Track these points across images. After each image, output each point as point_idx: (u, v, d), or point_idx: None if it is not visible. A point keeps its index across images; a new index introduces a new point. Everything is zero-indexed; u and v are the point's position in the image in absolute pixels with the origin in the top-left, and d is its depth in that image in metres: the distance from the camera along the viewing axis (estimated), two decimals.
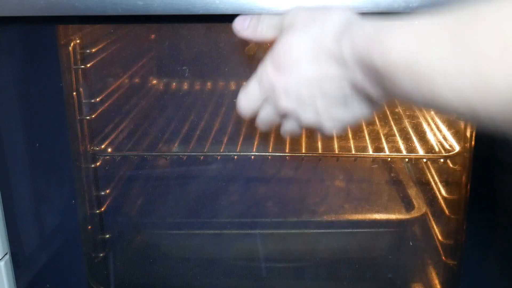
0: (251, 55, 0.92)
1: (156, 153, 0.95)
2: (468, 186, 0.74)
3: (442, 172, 0.87)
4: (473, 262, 0.75)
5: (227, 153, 0.90)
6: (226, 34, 0.94)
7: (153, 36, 1.01)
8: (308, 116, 0.47)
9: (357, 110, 0.46)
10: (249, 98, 0.52)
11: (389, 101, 0.44)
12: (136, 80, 1.04)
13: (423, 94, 0.33)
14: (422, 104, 0.35)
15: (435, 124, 0.90)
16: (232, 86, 1.10)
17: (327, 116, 0.46)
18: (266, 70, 0.48)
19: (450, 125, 0.84)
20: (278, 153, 0.90)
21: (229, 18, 0.60)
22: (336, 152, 0.89)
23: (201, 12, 0.59)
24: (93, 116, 0.82)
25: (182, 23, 0.84)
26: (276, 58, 0.47)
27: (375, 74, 0.38)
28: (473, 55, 0.29)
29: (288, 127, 0.51)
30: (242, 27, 0.56)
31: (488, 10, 0.29)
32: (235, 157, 0.90)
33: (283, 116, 0.50)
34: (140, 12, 0.60)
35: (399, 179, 0.99)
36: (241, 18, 0.57)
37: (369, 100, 0.45)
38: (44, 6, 0.60)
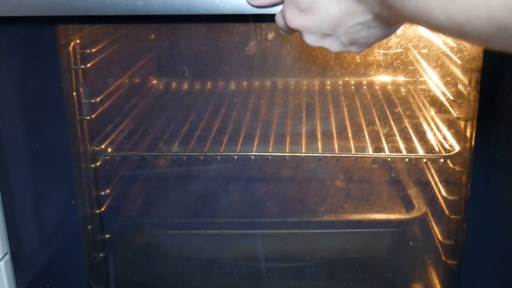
0: (251, 55, 0.92)
1: (156, 153, 0.95)
2: (468, 186, 0.74)
3: (442, 172, 0.87)
4: (473, 262, 0.75)
5: (227, 153, 0.90)
6: (226, 34, 0.95)
7: (153, 36, 1.01)
8: (335, 47, 0.51)
9: (379, 32, 0.49)
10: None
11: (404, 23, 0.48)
12: (136, 80, 1.04)
13: (425, 20, 0.37)
14: (428, 28, 0.38)
15: (435, 124, 0.90)
16: (232, 86, 1.10)
17: (352, 44, 0.50)
18: (287, 12, 0.50)
19: (450, 125, 0.84)
20: (278, 153, 0.90)
21: (229, 18, 0.60)
22: (336, 152, 0.89)
23: (201, 12, 0.59)
24: (93, 116, 0.82)
25: (182, 23, 0.84)
26: (296, 1, 0.49)
27: (392, 8, 0.41)
28: None
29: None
30: None
31: None
32: (235, 157, 0.90)
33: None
34: (140, 12, 0.60)
35: (399, 179, 0.99)
36: None
37: (389, 22, 0.47)
38: (44, 6, 0.60)
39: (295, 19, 0.50)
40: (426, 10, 0.36)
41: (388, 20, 0.46)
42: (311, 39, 0.51)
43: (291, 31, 0.54)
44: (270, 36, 0.89)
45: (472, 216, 0.73)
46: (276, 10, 0.56)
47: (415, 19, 0.38)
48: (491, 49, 0.35)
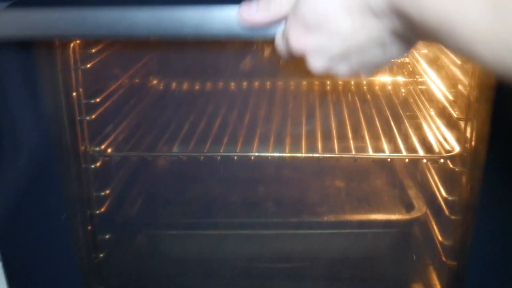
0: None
1: (156, 154, 0.95)
2: (468, 186, 0.74)
3: (442, 172, 0.86)
4: (473, 262, 0.75)
5: (227, 154, 0.90)
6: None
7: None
8: (343, 71, 0.46)
9: (393, 52, 0.44)
10: (270, 13, 0.48)
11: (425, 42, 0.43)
12: (136, 80, 1.04)
13: (460, 49, 0.34)
14: (459, 54, 0.36)
15: (435, 124, 0.90)
16: (232, 86, 1.10)
17: (361, 66, 0.45)
18: (291, 32, 0.45)
19: (450, 125, 0.84)
20: (278, 153, 0.90)
21: (221, 40, 0.55)
22: (336, 153, 0.89)
23: (190, 35, 0.54)
24: (93, 116, 0.82)
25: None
26: (301, 18, 0.43)
27: (412, 24, 0.37)
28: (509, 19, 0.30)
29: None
30: (250, 14, 0.49)
31: None
32: (235, 157, 0.89)
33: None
34: (123, 34, 0.55)
35: (399, 179, 0.99)
36: (244, 5, 0.49)
37: (405, 40, 0.43)
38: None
39: (300, 40, 0.44)
40: (465, 41, 0.32)
41: (405, 37, 0.42)
42: (317, 63, 0.45)
43: (293, 54, 0.48)
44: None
45: (472, 216, 0.73)
46: (272, 31, 0.50)
47: (440, 39, 0.35)
48: None
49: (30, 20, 0.55)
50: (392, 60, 0.45)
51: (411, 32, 0.39)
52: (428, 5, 0.34)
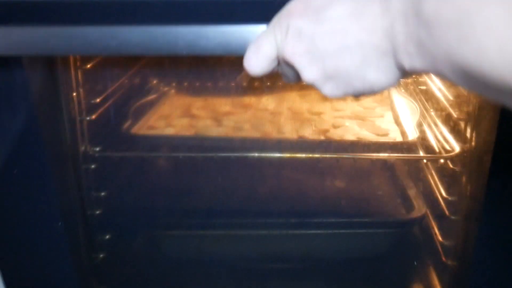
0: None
1: (156, 154, 0.95)
2: (468, 187, 0.74)
3: (442, 172, 0.86)
4: (473, 262, 0.75)
5: (227, 154, 0.90)
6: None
7: None
8: (334, 90, 0.42)
9: (377, 77, 0.40)
10: (260, 56, 0.45)
11: (413, 73, 0.38)
12: (136, 80, 1.04)
13: (468, 59, 0.30)
14: (458, 75, 0.32)
15: (435, 124, 0.90)
16: (232, 86, 1.10)
17: (335, 77, 0.41)
18: (290, 12, 0.42)
19: (450, 125, 0.84)
20: (277, 153, 0.90)
21: (217, 58, 0.54)
22: (336, 153, 0.89)
23: (184, 52, 0.52)
24: (93, 116, 0.82)
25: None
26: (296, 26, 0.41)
27: (418, 25, 0.34)
28: None
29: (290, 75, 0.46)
30: (249, 65, 0.46)
31: None
32: (235, 157, 0.89)
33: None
34: (114, 52, 0.53)
35: (399, 179, 0.99)
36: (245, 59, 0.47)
37: (392, 66, 0.39)
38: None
39: (294, 49, 0.41)
40: (479, 46, 0.29)
41: (398, 55, 0.37)
42: (311, 73, 0.42)
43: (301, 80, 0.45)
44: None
45: (472, 216, 0.73)
46: None
47: (447, 55, 0.31)
48: None
49: (17, 38, 0.54)
50: (371, 88, 0.40)
51: (406, 37, 0.35)
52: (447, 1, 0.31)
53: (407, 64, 0.36)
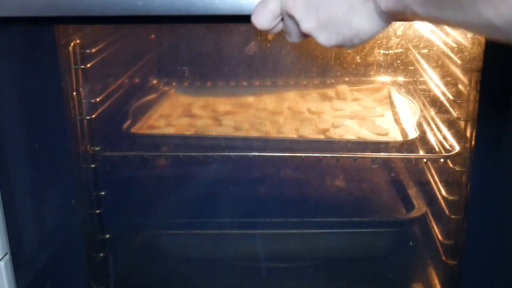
0: (251, 55, 0.92)
1: (156, 153, 0.95)
2: (468, 186, 0.74)
3: (442, 172, 0.86)
4: (473, 262, 0.75)
5: (227, 153, 0.90)
6: (226, 34, 0.95)
7: (153, 36, 1.01)
8: (329, 39, 0.48)
9: (361, 23, 0.45)
10: (266, 11, 0.51)
11: (397, 18, 0.43)
12: (136, 80, 1.04)
13: (455, 4, 0.33)
14: (440, 17, 0.35)
15: (435, 124, 0.90)
16: (232, 85, 1.10)
17: (328, 25, 0.46)
18: (298, 14, 0.48)
19: (450, 125, 0.84)
20: (277, 153, 0.90)
21: (229, 18, 0.60)
22: (336, 153, 0.89)
23: (200, 12, 0.59)
24: (93, 116, 0.82)
25: (182, 23, 0.83)
26: None
27: None
28: None
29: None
30: (256, 20, 0.53)
31: None
32: (235, 157, 0.89)
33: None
34: (140, 13, 0.59)
35: (399, 179, 0.99)
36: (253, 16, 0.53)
37: (373, 11, 0.44)
38: (43, 7, 0.60)
39: (309, 21, 0.47)
40: None
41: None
42: (308, 24, 0.48)
43: (302, 36, 0.51)
44: (270, 36, 0.89)
45: (472, 216, 0.73)
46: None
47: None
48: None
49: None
50: (359, 36, 0.46)
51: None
52: None
53: (383, 5, 0.42)
